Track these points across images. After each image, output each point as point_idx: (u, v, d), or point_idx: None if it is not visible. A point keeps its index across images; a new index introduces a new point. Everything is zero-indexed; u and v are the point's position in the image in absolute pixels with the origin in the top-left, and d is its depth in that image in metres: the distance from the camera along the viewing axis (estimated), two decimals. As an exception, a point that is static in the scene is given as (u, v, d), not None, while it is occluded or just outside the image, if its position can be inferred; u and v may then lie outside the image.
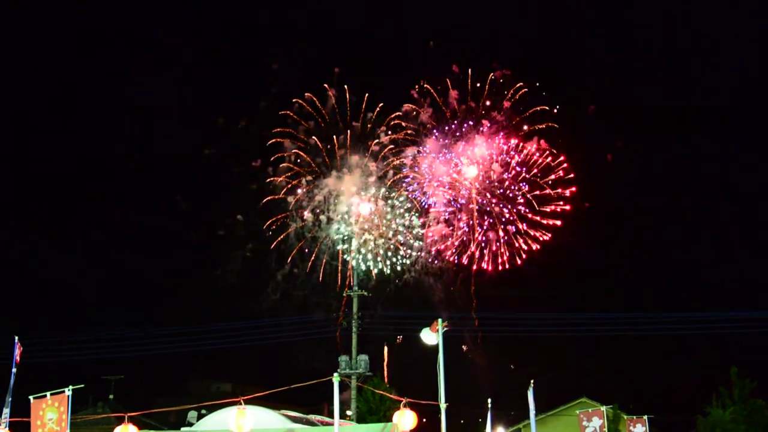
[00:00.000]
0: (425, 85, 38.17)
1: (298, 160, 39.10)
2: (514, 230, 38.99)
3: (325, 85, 39.01)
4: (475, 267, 38.92)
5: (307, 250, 39.32)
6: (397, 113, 38.74)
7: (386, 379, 39.99)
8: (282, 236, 38.42)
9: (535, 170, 39.11)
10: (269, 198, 38.63)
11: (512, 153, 39.03)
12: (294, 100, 39.31)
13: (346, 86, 38.55)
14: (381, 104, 39.06)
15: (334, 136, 38.80)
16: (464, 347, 41.23)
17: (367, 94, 38.62)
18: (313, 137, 38.54)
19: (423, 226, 38.18)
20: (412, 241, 38.72)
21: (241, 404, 15.63)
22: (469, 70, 39.19)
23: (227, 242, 39.94)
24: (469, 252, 39.02)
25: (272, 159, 38.84)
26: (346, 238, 38.26)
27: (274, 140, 38.23)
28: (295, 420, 19.47)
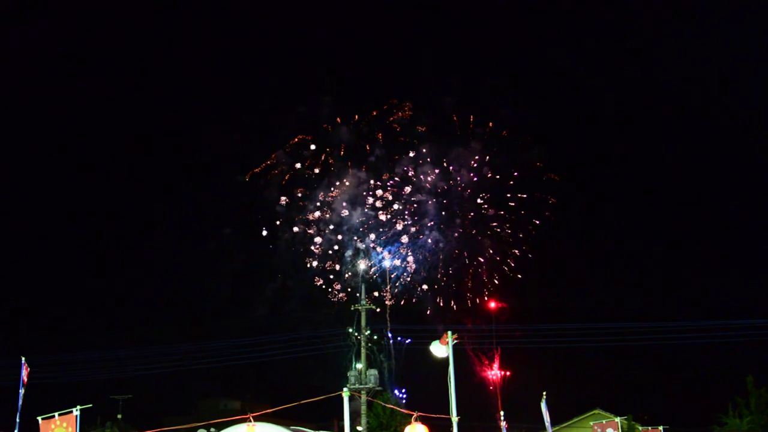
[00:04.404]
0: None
1: (291, 172, 38.81)
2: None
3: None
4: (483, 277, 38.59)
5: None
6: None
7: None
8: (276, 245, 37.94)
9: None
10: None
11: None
12: (287, 113, 39.11)
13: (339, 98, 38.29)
14: (374, 112, 38.74)
15: (327, 148, 38.62)
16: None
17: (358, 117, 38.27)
18: (307, 150, 38.36)
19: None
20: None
21: (250, 421, 15.43)
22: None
23: (217, 255, 39.68)
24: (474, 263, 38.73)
25: (267, 169, 38.41)
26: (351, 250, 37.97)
27: (271, 158, 38.09)
28: (304, 436, 19.25)
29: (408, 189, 37.87)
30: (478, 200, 38.12)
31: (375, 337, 40.46)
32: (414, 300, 38.72)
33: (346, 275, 38.34)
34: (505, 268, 37.88)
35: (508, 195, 37.99)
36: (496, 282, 38.96)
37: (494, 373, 41.91)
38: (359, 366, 38.92)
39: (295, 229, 38.52)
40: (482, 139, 38.40)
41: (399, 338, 41.80)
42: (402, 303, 39.16)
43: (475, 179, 38.24)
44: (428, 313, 38.06)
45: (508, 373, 42.60)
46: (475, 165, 38.03)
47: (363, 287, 39.40)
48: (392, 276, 38.43)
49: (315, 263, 38.00)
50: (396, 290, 38.12)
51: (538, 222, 37.88)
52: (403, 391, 43.42)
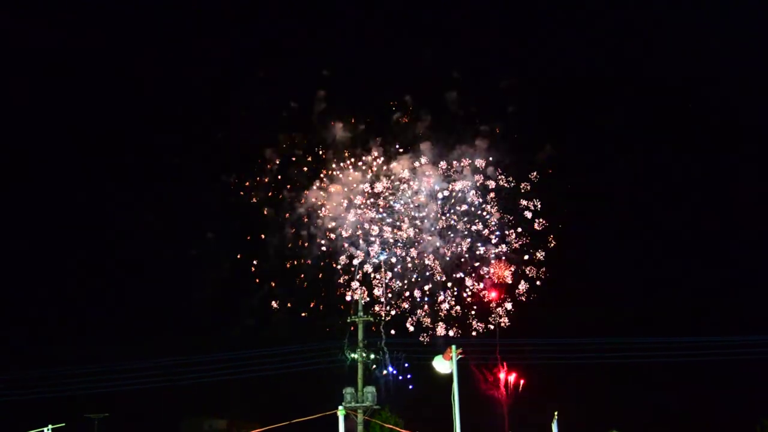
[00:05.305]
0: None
1: (280, 175, 36.66)
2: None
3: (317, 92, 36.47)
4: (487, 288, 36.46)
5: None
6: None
7: None
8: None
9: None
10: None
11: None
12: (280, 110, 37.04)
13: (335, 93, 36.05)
14: (372, 116, 36.75)
15: (321, 148, 36.51)
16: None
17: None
18: (298, 148, 36.37)
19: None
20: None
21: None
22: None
23: (200, 263, 37.82)
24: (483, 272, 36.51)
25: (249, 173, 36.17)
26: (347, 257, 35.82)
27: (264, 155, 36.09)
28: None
29: (405, 191, 35.97)
30: (483, 205, 36.12)
31: (372, 356, 38.21)
32: (407, 312, 36.61)
33: (339, 291, 36.42)
34: (519, 289, 35.68)
35: (521, 202, 35.94)
36: (506, 300, 36.75)
37: (501, 390, 39.86)
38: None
39: (285, 232, 36.48)
40: (488, 137, 36.40)
41: (395, 353, 39.72)
42: (399, 315, 37.05)
43: (480, 182, 36.32)
44: (429, 333, 35.89)
45: (516, 388, 40.50)
46: (482, 167, 36.22)
47: (360, 297, 37.36)
48: (388, 292, 36.48)
49: (306, 272, 36.05)
50: (392, 301, 36.17)
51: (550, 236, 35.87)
52: (406, 364, 39.51)
